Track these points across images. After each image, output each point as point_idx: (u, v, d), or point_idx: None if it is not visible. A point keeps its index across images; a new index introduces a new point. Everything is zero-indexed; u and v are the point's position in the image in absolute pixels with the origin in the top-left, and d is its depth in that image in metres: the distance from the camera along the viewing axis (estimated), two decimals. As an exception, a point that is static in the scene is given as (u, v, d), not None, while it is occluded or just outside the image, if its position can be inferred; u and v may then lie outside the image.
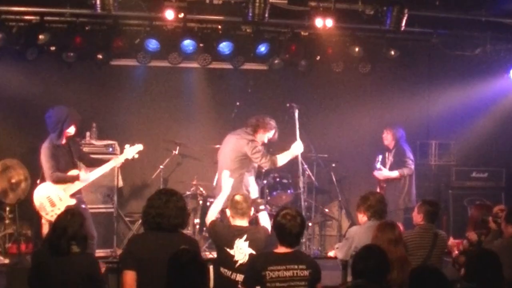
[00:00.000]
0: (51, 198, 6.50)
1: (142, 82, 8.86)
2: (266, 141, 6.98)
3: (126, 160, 6.84)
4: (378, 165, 7.99)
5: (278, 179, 8.24)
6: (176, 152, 8.35)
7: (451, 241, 6.03)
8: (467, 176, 9.01)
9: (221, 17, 7.92)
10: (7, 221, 7.71)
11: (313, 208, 8.46)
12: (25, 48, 7.80)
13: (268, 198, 8.09)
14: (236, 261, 5.12)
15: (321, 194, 9.02)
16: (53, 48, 7.87)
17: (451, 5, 7.75)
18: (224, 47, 8.11)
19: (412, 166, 8.12)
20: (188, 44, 8.00)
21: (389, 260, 4.21)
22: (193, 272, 3.80)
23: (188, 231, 7.74)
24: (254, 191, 6.88)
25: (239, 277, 5.01)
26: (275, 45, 8.37)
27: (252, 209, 5.49)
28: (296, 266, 4.43)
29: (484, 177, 9.02)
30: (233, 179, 6.19)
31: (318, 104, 9.11)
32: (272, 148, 7.33)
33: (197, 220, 8.16)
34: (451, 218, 8.69)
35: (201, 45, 8.12)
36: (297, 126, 7.12)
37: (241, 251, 5.13)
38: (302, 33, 8.34)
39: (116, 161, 6.80)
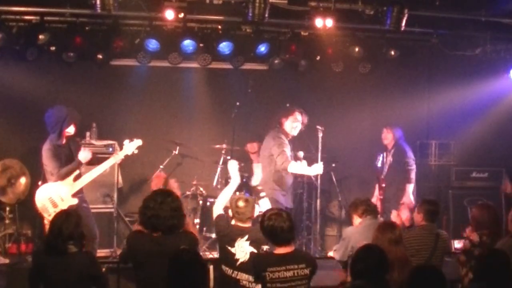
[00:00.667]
0: (53, 199, 6.50)
1: (142, 82, 8.85)
2: (294, 128, 7.31)
3: (126, 156, 6.83)
4: (379, 164, 7.99)
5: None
6: (176, 152, 8.35)
7: (468, 232, 5.87)
8: (467, 176, 8.99)
9: (221, 17, 7.92)
10: (7, 221, 7.71)
11: (313, 208, 8.45)
12: (25, 48, 7.80)
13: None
14: (237, 260, 5.11)
15: (321, 194, 9.00)
16: (53, 48, 7.86)
17: (451, 5, 7.75)
18: (224, 47, 8.11)
19: (414, 166, 8.13)
20: (188, 44, 7.99)
21: (389, 260, 4.21)
22: (193, 272, 3.81)
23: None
24: (256, 179, 7.18)
25: (240, 276, 5.02)
26: (275, 45, 8.37)
27: (256, 206, 5.49)
28: (296, 266, 4.45)
29: (484, 177, 9.01)
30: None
31: (318, 104, 9.10)
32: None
33: (197, 220, 8.17)
34: (451, 218, 8.68)
35: (201, 45, 8.11)
36: (320, 148, 7.26)
37: (242, 249, 5.12)
38: (302, 33, 8.34)
39: (116, 158, 6.79)
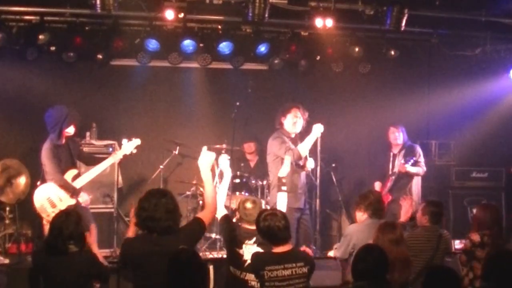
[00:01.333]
0: (51, 199, 6.50)
1: (142, 82, 8.85)
2: (294, 124, 7.29)
3: (125, 156, 6.81)
4: (396, 169, 7.93)
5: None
6: (176, 152, 8.34)
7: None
8: (467, 176, 9.00)
9: (221, 17, 7.93)
10: (7, 221, 7.69)
11: (313, 208, 8.44)
12: (25, 48, 7.81)
13: (268, 198, 8.08)
14: (245, 261, 5.05)
15: (321, 194, 9.00)
16: (53, 48, 7.87)
17: (451, 5, 7.77)
18: (224, 47, 8.11)
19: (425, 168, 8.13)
20: (188, 44, 8.00)
21: (390, 260, 4.20)
22: (193, 272, 3.81)
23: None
24: (284, 170, 6.93)
25: (248, 276, 4.98)
26: (275, 45, 8.38)
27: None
28: (294, 265, 4.46)
29: (484, 177, 9.01)
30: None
31: (318, 104, 9.09)
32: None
33: (197, 220, 8.14)
34: (451, 218, 8.68)
35: (201, 45, 8.12)
36: (319, 148, 7.27)
37: (250, 250, 5.05)
38: (302, 33, 8.34)
39: (115, 157, 6.79)
